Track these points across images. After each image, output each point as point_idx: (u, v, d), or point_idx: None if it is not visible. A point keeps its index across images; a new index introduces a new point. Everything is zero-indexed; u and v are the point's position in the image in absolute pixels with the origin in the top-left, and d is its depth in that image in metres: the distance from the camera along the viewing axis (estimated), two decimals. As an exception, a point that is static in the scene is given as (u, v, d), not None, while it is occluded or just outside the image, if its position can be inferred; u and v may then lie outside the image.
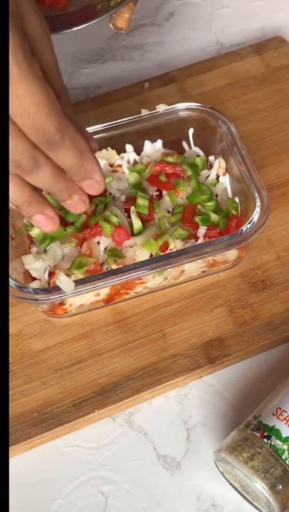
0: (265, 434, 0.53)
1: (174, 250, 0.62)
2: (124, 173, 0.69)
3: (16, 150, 0.44)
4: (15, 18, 0.42)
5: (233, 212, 0.65)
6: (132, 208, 0.64)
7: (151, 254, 0.62)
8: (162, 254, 0.62)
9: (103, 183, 0.51)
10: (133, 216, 0.64)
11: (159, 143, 0.70)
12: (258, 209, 0.62)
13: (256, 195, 0.62)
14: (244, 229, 0.61)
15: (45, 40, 0.45)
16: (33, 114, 0.43)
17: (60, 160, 0.47)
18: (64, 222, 0.65)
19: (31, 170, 0.46)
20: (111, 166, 0.70)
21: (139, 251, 0.62)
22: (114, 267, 0.61)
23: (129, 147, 0.70)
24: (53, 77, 0.47)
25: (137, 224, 0.63)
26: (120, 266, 0.61)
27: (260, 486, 0.51)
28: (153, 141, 0.71)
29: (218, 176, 0.69)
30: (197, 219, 0.64)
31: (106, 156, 0.70)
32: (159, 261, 0.60)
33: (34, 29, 0.44)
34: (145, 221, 0.65)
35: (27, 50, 0.42)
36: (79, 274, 0.61)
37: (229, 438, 0.54)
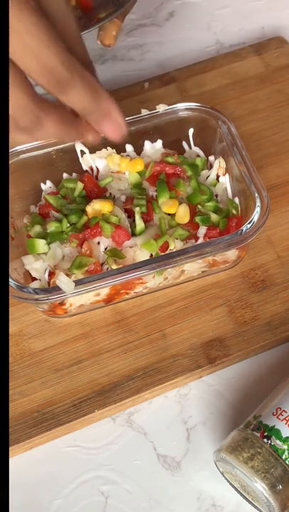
0: (265, 434, 0.53)
1: (174, 250, 0.62)
2: (124, 173, 0.69)
3: (17, 105, 0.42)
4: None
5: (233, 212, 0.65)
6: (137, 209, 0.64)
7: (152, 255, 0.62)
8: (162, 254, 0.62)
9: (124, 124, 0.47)
10: (137, 217, 0.64)
11: (159, 143, 0.70)
12: (258, 209, 0.62)
13: (256, 195, 0.62)
14: (244, 229, 0.61)
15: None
16: (35, 50, 0.39)
17: (74, 101, 0.44)
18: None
19: (34, 128, 0.44)
20: (111, 166, 0.70)
21: (139, 251, 0.62)
22: (114, 267, 0.61)
23: (129, 147, 0.70)
24: (69, 35, 0.42)
25: (140, 225, 0.63)
26: (120, 266, 0.61)
27: (260, 486, 0.51)
28: (153, 141, 0.70)
29: (218, 176, 0.69)
30: (197, 219, 0.64)
31: (106, 156, 0.70)
32: (159, 261, 0.59)
33: None
34: (145, 221, 0.65)
35: None
36: (79, 274, 0.61)
37: (229, 438, 0.54)
